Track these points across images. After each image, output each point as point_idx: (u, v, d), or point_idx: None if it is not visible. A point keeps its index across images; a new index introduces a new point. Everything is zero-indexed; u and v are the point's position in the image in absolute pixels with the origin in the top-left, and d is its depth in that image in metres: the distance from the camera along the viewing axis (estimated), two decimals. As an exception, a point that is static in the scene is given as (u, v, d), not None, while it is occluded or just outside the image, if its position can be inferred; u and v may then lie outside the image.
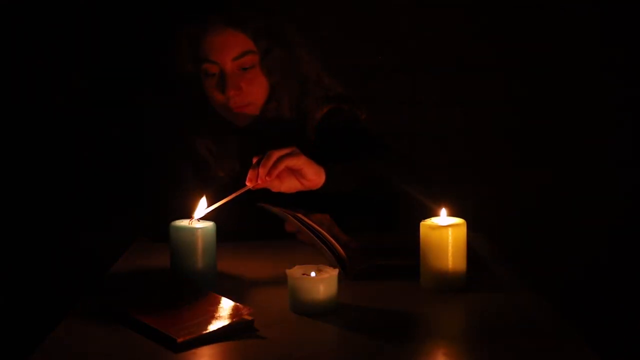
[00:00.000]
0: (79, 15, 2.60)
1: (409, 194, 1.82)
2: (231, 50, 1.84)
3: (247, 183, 1.55)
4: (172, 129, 1.97)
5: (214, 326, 1.23)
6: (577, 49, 2.75)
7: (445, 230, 1.44)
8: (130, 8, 2.59)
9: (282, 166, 1.54)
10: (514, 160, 2.80)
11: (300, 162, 1.57)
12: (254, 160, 1.56)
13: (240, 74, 1.85)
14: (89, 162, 2.67)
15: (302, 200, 1.73)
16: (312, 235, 1.55)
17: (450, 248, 1.44)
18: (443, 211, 1.49)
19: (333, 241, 1.55)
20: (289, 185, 1.60)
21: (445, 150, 2.79)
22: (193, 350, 1.19)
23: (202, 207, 1.49)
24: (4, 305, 2.66)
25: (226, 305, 1.31)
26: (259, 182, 1.54)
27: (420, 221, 1.47)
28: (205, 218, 1.49)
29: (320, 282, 1.33)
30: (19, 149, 2.68)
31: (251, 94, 1.87)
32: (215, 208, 1.49)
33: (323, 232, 1.56)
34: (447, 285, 1.45)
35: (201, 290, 1.38)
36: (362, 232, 1.78)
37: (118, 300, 1.36)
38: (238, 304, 1.31)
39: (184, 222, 1.48)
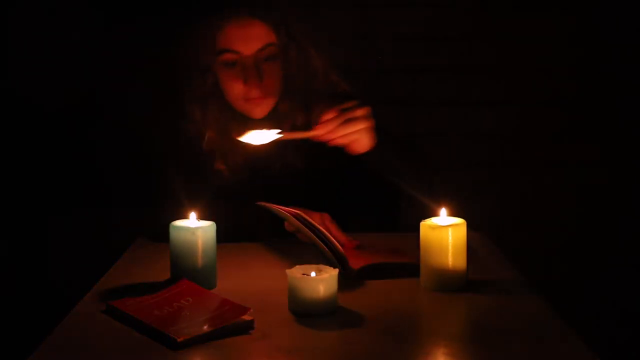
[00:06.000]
0: (86, 10, 2.61)
1: (410, 194, 1.82)
2: (256, 41, 1.85)
3: (316, 132, 1.65)
4: (178, 120, 1.96)
5: (214, 326, 1.23)
6: (575, 49, 2.75)
7: (445, 230, 1.44)
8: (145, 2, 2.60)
9: (353, 136, 1.66)
10: (514, 159, 2.80)
11: (361, 135, 1.67)
12: (328, 115, 1.66)
13: (261, 65, 1.86)
14: (89, 162, 2.67)
15: (302, 200, 1.73)
16: (312, 234, 1.55)
17: (450, 248, 1.43)
18: (443, 211, 1.49)
19: (333, 240, 1.54)
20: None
21: (446, 150, 2.79)
22: (193, 350, 1.19)
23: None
24: (3, 305, 2.66)
25: (226, 305, 1.31)
26: (323, 134, 1.65)
27: (421, 221, 1.47)
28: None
29: (320, 282, 1.33)
30: (18, 150, 2.68)
31: (270, 85, 1.87)
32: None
33: (323, 230, 1.56)
34: (447, 285, 1.44)
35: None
36: (363, 232, 1.78)
37: (118, 300, 1.36)
38: (238, 304, 1.31)
39: (184, 222, 1.48)
